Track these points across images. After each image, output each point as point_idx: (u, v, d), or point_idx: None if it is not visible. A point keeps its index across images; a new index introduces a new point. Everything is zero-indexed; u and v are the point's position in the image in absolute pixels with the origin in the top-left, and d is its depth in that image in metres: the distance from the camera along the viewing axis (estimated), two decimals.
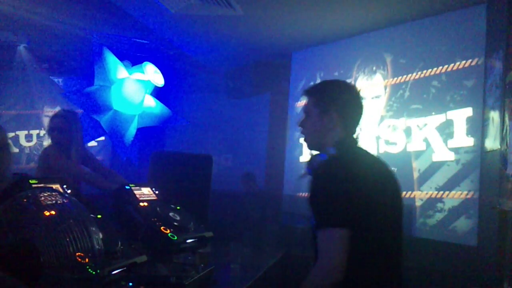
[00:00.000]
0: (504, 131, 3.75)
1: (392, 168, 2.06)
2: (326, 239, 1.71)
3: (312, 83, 2.05)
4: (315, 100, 1.98)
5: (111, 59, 5.49)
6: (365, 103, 2.03)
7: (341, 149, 1.90)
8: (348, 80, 5.74)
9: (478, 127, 4.43)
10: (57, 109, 6.59)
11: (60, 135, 3.60)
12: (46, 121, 4.69)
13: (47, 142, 3.77)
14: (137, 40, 6.14)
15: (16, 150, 7.15)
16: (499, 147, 3.88)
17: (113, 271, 1.88)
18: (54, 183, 2.09)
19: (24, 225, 1.53)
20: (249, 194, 6.03)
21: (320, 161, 1.90)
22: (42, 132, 7.24)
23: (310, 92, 2.02)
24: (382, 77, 5.42)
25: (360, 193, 1.74)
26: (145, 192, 2.76)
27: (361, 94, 2.03)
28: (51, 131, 3.66)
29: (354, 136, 2.00)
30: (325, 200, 1.74)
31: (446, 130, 4.69)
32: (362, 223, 1.74)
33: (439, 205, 4.67)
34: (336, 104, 1.94)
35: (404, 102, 5.14)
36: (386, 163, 2.03)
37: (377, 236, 1.79)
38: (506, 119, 3.72)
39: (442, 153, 4.70)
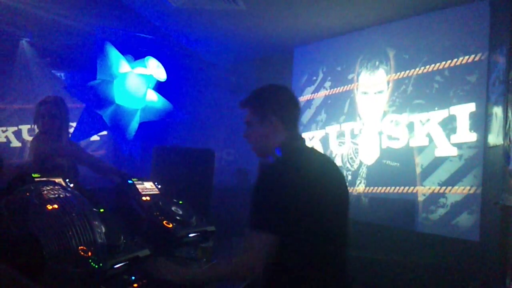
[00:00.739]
0: (507, 126, 3.74)
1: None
2: (252, 240, 1.81)
3: (251, 91, 2.10)
4: (252, 109, 2.07)
5: (113, 53, 5.47)
6: (299, 102, 2.11)
7: (286, 150, 1.96)
8: (351, 75, 5.75)
9: (481, 122, 4.42)
10: None
11: (50, 121, 3.51)
12: None
13: None
14: (140, 34, 6.12)
15: (19, 144, 7.15)
16: (502, 142, 3.87)
17: (116, 264, 1.88)
18: (57, 177, 2.09)
19: (27, 218, 1.54)
20: (242, 189, 6.04)
21: (267, 163, 2.00)
22: None
23: (246, 102, 2.10)
24: (385, 72, 5.40)
25: (299, 199, 1.79)
26: (148, 187, 2.76)
27: (294, 93, 2.10)
28: (40, 117, 3.53)
29: (298, 134, 2.06)
30: (261, 203, 1.82)
31: (449, 125, 4.68)
32: (299, 228, 1.80)
33: (442, 200, 4.66)
34: (273, 107, 2.01)
35: (407, 97, 5.13)
36: (333, 161, 2.13)
37: (318, 238, 1.85)
38: (509, 114, 3.71)
39: (445, 149, 4.69)
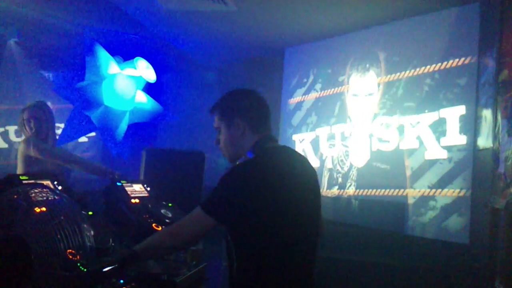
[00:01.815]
0: (497, 129, 3.76)
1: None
2: (194, 215, 1.91)
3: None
4: (219, 114, 2.10)
5: (102, 54, 5.43)
6: (267, 104, 2.11)
7: (257, 152, 1.99)
8: (341, 77, 5.76)
9: (470, 125, 4.44)
10: (48, 103, 6.53)
11: (37, 124, 3.57)
12: None
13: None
14: (129, 35, 6.10)
15: (5, 145, 7.07)
16: (492, 145, 3.90)
17: (104, 268, 1.86)
18: (45, 179, 2.07)
19: (15, 221, 1.51)
20: None
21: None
22: None
23: (213, 109, 2.13)
24: (375, 75, 5.41)
25: (257, 198, 1.84)
26: (137, 189, 2.74)
27: (259, 95, 2.12)
28: (26, 121, 3.59)
29: (270, 136, 2.07)
30: (217, 190, 1.90)
31: (439, 128, 4.70)
32: (255, 226, 1.85)
33: (432, 203, 4.68)
34: (237, 111, 2.04)
35: (397, 99, 5.14)
36: (308, 162, 2.12)
37: (276, 238, 1.88)
38: (499, 117, 3.73)
39: (435, 151, 4.71)
